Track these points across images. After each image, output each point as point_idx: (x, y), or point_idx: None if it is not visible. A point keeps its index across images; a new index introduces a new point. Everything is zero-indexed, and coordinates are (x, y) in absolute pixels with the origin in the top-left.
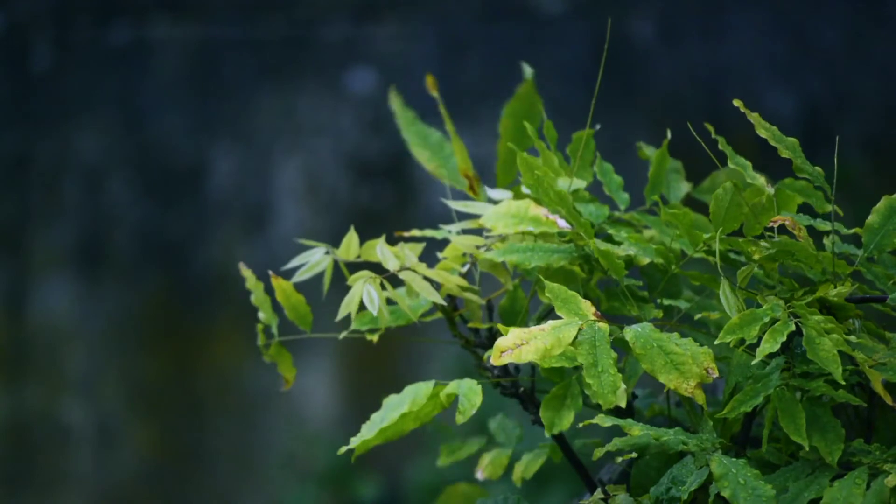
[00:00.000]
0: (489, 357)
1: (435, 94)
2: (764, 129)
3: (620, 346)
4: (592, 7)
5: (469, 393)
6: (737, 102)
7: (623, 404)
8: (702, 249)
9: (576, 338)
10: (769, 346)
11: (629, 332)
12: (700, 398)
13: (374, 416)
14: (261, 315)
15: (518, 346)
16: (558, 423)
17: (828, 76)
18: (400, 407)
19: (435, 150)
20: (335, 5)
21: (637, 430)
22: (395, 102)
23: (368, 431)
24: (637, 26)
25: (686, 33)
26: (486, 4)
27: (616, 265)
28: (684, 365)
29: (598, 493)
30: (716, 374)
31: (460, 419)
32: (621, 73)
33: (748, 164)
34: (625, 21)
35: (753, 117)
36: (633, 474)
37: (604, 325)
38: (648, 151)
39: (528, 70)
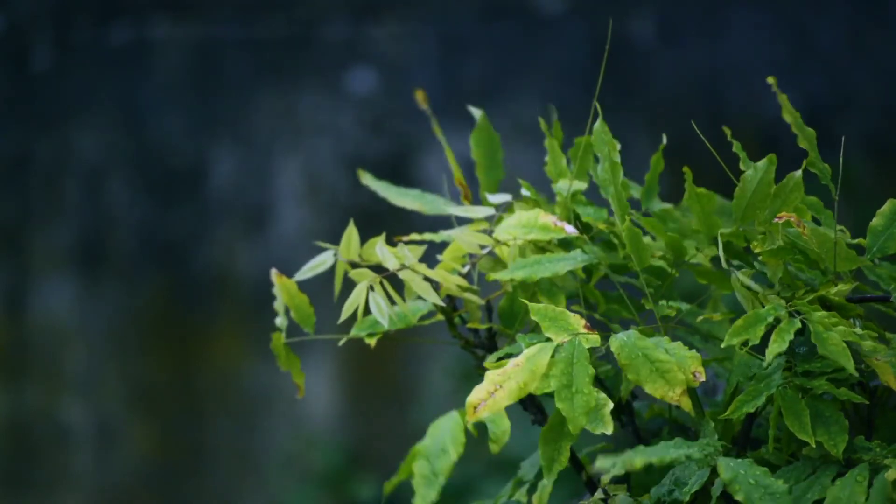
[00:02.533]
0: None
1: (425, 107)
2: (789, 114)
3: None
4: (592, 7)
5: (496, 419)
6: (770, 80)
7: (609, 431)
8: (710, 246)
9: (552, 357)
10: (777, 346)
11: (615, 342)
12: (686, 405)
13: (425, 472)
14: (278, 321)
15: (492, 393)
16: (558, 459)
17: (828, 76)
18: (447, 454)
19: (416, 198)
20: (335, 5)
21: (639, 463)
22: (366, 177)
23: (428, 491)
24: (637, 26)
25: (686, 33)
26: (486, 4)
27: (643, 250)
28: (669, 373)
29: (599, 493)
30: (703, 378)
31: (495, 448)
32: (621, 73)
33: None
34: (624, 21)
35: (782, 99)
36: (634, 474)
37: (584, 339)
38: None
39: (476, 112)
